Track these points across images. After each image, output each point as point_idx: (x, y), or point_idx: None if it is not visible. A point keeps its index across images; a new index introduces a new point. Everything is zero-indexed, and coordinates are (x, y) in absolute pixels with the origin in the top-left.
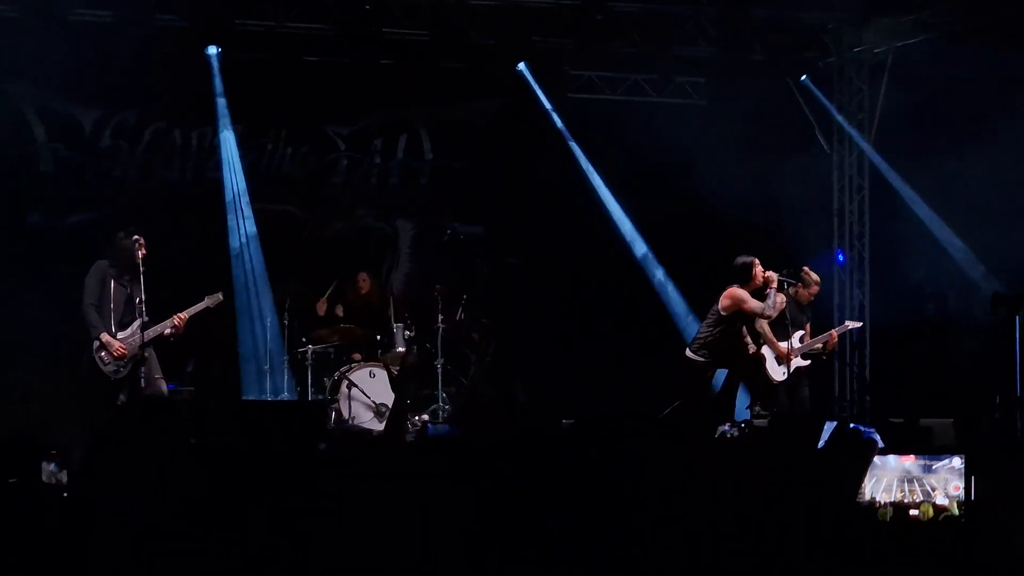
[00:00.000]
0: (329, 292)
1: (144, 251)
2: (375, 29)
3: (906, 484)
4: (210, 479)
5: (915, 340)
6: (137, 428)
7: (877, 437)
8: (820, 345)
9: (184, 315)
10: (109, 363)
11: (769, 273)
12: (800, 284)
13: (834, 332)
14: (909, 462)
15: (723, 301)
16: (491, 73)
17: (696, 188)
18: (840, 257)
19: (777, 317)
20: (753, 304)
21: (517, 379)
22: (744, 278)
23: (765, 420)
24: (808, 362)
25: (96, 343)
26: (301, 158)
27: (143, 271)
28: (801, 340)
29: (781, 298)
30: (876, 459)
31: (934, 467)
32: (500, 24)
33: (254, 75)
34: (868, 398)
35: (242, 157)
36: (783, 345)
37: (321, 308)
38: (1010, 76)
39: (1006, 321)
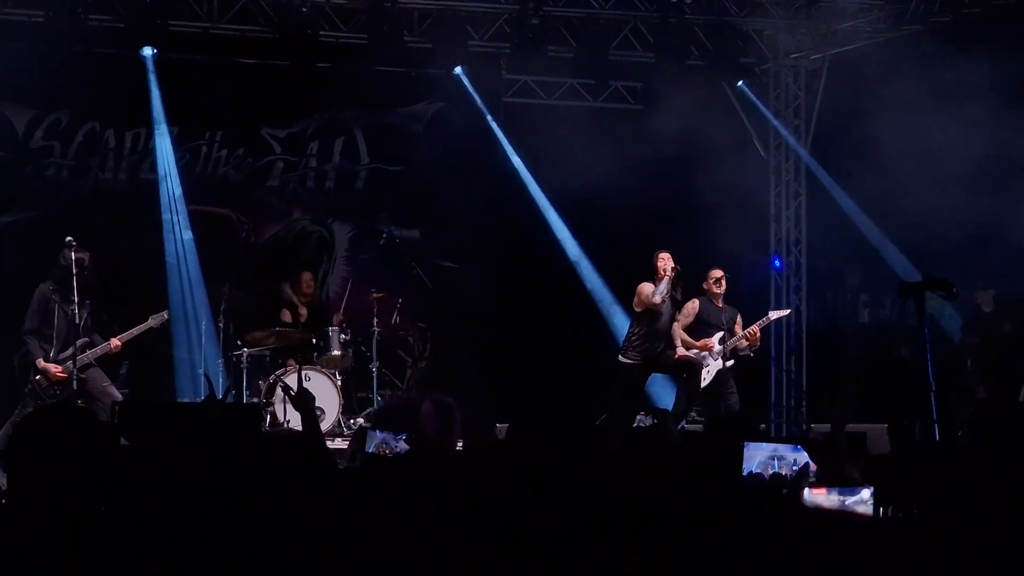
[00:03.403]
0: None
1: (85, 260)
2: (311, 32)
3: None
4: (143, 482)
5: (851, 346)
6: (51, 428)
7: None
8: (745, 343)
9: (119, 341)
10: (47, 387)
11: (664, 266)
12: (707, 281)
13: (755, 327)
14: (821, 496)
15: (634, 299)
16: (427, 77)
17: (632, 193)
18: (776, 263)
19: (694, 320)
20: (643, 296)
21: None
22: (653, 270)
23: (700, 425)
24: (732, 362)
25: (33, 370)
26: (237, 161)
27: (82, 285)
28: (722, 341)
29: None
30: None
31: (846, 502)
32: (436, 28)
33: (189, 77)
34: (804, 403)
35: (177, 160)
36: (679, 349)
37: (286, 315)
38: (944, 82)
39: (914, 309)
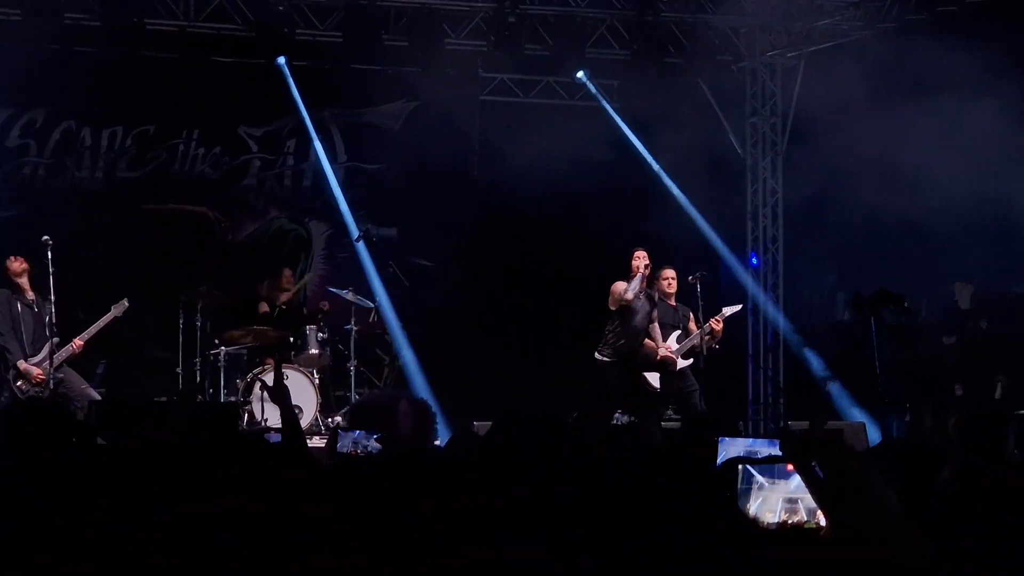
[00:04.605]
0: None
1: (23, 266)
2: (287, 30)
3: (790, 504)
4: (119, 481)
5: (828, 343)
6: (20, 427)
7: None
8: (707, 338)
9: (80, 341)
10: (28, 390)
11: (639, 264)
12: (659, 280)
13: (713, 324)
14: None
15: (609, 297)
16: (404, 75)
17: (609, 190)
18: (754, 260)
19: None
20: (616, 294)
21: None
22: (628, 268)
23: (675, 423)
24: (690, 361)
25: (12, 371)
26: (214, 159)
27: (51, 281)
28: (679, 340)
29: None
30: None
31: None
32: (412, 26)
33: (165, 75)
34: (782, 401)
35: (154, 158)
36: (661, 349)
37: (263, 307)
38: (919, 79)
39: (865, 321)
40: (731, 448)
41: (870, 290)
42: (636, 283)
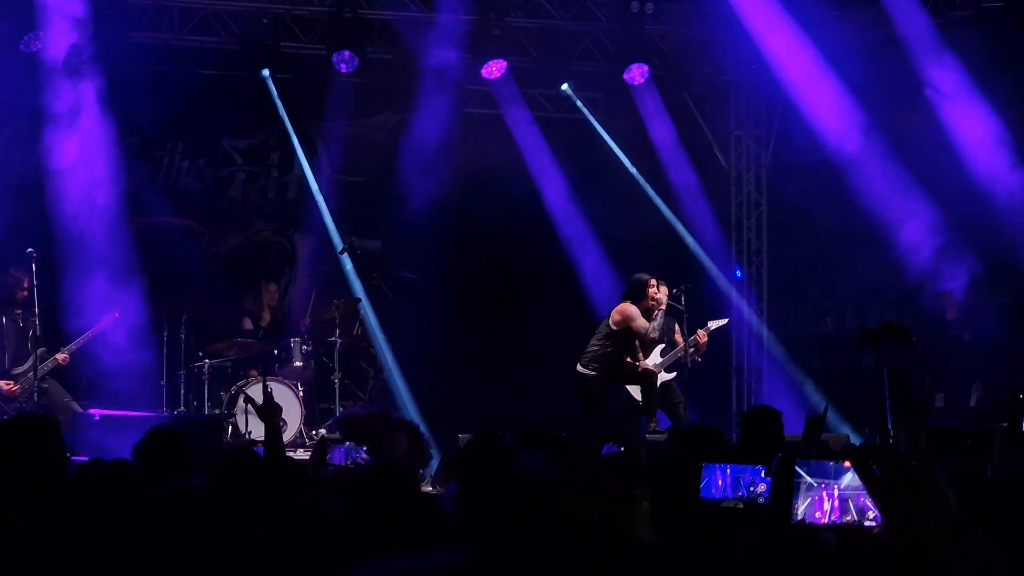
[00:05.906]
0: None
1: (24, 294)
2: (272, 43)
3: (842, 503)
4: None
5: (813, 356)
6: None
7: None
8: (691, 351)
9: (66, 354)
10: (3, 407)
11: (660, 296)
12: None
13: (698, 337)
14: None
15: (614, 316)
16: (388, 88)
17: (594, 203)
18: (738, 272)
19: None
20: (640, 323)
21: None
22: (638, 295)
23: (661, 435)
24: (674, 374)
25: None
26: (198, 171)
27: (36, 294)
28: (663, 354)
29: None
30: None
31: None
32: (397, 38)
33: (149, 88)
34: None
35: (139, 170)
36: (646, 362)
37: (247, 323)
38: (903, 87)
39: (872, 354)
40: (716, 476)
41: (850, 298)
42: (659, 322)
